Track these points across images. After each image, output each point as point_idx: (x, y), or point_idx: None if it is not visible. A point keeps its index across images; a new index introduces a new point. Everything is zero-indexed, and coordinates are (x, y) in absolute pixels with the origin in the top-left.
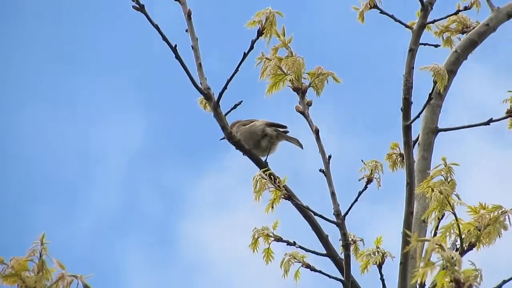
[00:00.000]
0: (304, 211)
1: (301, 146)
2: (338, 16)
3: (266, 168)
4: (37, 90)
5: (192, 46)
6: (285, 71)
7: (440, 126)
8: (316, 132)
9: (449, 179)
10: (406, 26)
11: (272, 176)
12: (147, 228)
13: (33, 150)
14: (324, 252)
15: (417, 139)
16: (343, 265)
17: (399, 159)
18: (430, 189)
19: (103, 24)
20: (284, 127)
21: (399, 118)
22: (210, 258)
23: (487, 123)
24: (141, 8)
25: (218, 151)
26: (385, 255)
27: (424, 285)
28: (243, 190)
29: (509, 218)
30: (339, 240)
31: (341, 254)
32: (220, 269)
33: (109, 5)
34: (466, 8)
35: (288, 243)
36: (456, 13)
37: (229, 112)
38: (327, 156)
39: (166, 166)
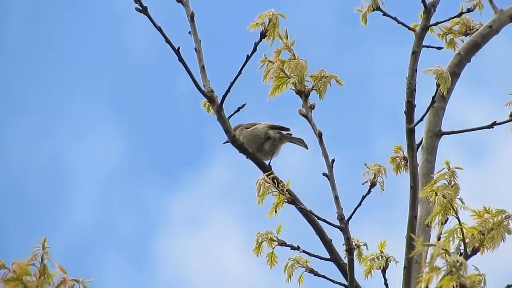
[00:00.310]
0: (307, 215)
1: (306, 146)
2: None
3: (269, 172)
4: (12, 106)
5: (195, 48)
6: (288, 74)
7: (443, 129)
8: (319, 136)
9: (452, 183)
10: (409, 28)
11: (275, 180)
12: (123, 246)
13: (8, 167)
14: (328, 256)
15: (421, 142)
16: (346, 270)
17: (402, 162)
18: (434, 193)
19: (79, 41)
20: (287, 129)
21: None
22: (187, 275)
23: (491, 126)
24: (144, 10)
25: (193, 168)
26: (389, 260)
27: None
28: (219, 206)
29: None
30: (343, 244)
31: (344, 258)
32: (197, 287)
33: (86, 21)
34: (469, 10)
35: (292, 248)
36: (459, 15)
37: (232, 115)
38: (331, 160)
39: (142, 183)
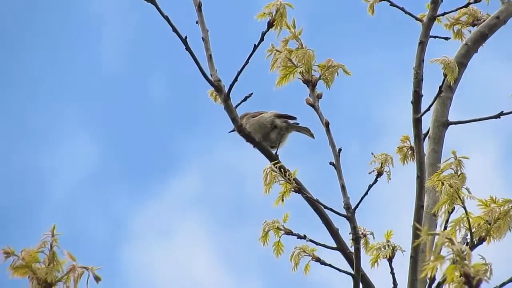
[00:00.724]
0: (314, 204)
1: (312, 135)
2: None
3: (276, 161)
4: None
5: (202, 37)
6: (295, 63)
7: (450, 119)
8: (326, 125)
9: (459, 173)
10: (416, 18)
11: (282, 169)
12: (92, 253)
13: None
14: (334, 245)
15: (428, 132)
16: (353, 259)
17: (409, 152)
18: (440, 182)
19: (52, 49)
20: (294, 118)
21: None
22: (156, 282)
23: (498, 116)
24: (151, 0)
25: (163, 176)
26: (395, 249)
27: (434, 279)
28: (188, 214)
29: None
30: (349, 233)
31: (351, 247)
32: None
33: (59, 30)
34: (476, 1)
35: (299, 237)
36: (467, 5)
37: (239, 104)
38: (337, 149)
39: (113, 191)
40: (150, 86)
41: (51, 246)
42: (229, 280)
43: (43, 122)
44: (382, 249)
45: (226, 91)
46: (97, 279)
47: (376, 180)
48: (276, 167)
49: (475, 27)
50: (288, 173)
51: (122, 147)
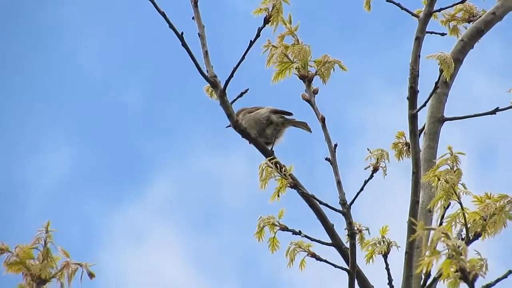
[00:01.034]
0: (309, 200)
1: (309, 130)
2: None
3: (272, 157)
4: None
5: (198, 33)
6: (292, 59)
7: (446, 115)
8: (322, 120)
9: (455, 168)
10: (413, 14)
11: (278, 165)
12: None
13: None
14: (330, 241)
15: (423, 128)
16: (348, 255)
17: (405, 148)
18: (436, 178)
19: (22, 54)
20: (290, 113)
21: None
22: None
23: (493, 112)
24: None
25: (136, 182)
26: (390, 245)
27: (430, 274)
28: (161, 220)
29: None
30: (345, 229)
31: (346, 243)
32: None
33: (34, 34)
34: None
35: (294, 232)
36: (463, 1)
37: (235, 100)
38: (333, 145)
39: (87, 197)
40: (125, 92)
41: (45, 242)
42: (203, 285)
43: (15, 128)
44: (377, 245)
45: (222, 87)
46: (91, 275)
47: (371, 176)
48: (271, 163)
49: (471, 23)
50: (283, 168)
51: (96, 152)
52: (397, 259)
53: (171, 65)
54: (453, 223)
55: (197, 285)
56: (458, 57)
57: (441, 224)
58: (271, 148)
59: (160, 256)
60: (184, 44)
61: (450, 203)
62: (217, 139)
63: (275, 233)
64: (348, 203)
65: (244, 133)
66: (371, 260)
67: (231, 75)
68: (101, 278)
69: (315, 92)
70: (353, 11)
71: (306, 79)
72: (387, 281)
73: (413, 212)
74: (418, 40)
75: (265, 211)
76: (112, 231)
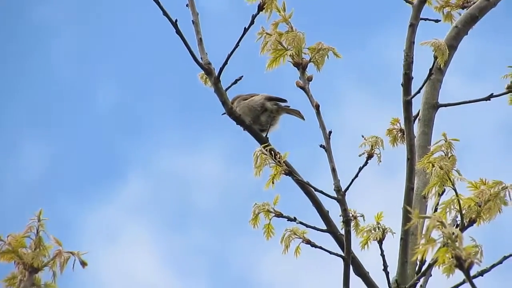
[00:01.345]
0: (304, 186)
1: (302, 117)
2: None
3: (266, 144)
4: None
5: (192, 20)
6: (286, 46)
7: (440, 101)
8: (317, 107)
9: (449, 155)
10: (407, 1)
11: (272, 152)
12: None
13: None
14: (325, 228)
15: (418, 114)
16: (343, 241)
17: (399, 134)
18: (431, 164)
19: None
20: (284, 100)
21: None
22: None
23: (488, 98)
24: None
25: (110, 181)
26: (385, 231)
27: (425, 260)
28: (134, 219)
29: (509, 194)
30: (340, 216)
31: (341, 230)
32: None
33: (9, 34)
34: None
35: (289, 219)
36: None
37: (229, 87)
38: (328, 132)
39: (60, 198)
40: (98, 93)
41: (37, 231)
42: (176, 283)
43: None
44: (373, 231)
45: (216, 74)
46: (83, 264)
47: (366, 163)
48: (266, 150)
49: (465, 9)
50: (278, 155)
51: (70, 152)
52: (392, 245)
53: (145, 64)
54: (448, 209)
55: (169, 284)
56: (452, 44)
57: (436, 210)
58: (266, 135)
59: (133, 255)
60: (178, 32)
61: (444, 189)
62: (189, 139)
63: (270, 219)
64: (343, 190)
65: (238, 120)
66: (366, 246)
67: (225, 63)
68: (75, 277)
69: (309, 79)
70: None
71: (300, 66)
72: (382, 267)
73: (408, 199)
74: (412, 26)
75: (236, 210)
76: (85, 230)
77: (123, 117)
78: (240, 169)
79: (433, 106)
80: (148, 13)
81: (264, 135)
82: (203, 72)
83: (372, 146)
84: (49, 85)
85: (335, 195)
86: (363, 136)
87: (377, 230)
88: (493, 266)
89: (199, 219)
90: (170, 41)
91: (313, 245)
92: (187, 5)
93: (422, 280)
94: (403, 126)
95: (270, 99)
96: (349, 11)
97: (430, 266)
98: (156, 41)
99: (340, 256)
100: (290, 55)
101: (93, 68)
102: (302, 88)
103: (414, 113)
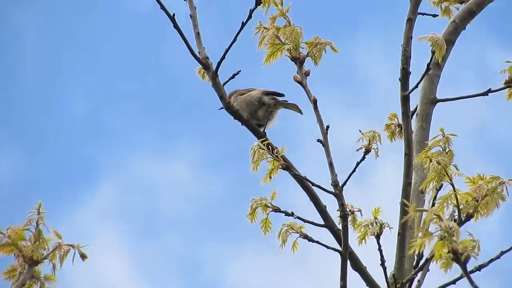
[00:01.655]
0: (302, 181)
1: (300, 111)
2: None
3: (264, 138)
4: None
5: (190, 15)
6: (283, 41)
7: (438, 96)
8: (314, 102)
9: (447, 150)
10: None
11: (270, 146)
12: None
13: None
14: (322, 222)
15: (416, 109)
16: (341, 236)
17: (397, 129)
18: (428, 159)
19: None
20: (282, 95)
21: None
22: None
23: (486, 93)
24: None
25: (80, 187)
26: (383, 226)
27: (422, 255)
28: (105, 225)
29: (507, 189)
30: (337, 210)
31: (339, 224)
32: None
33: None
34: None
35: (286, 214)
36: None
37: (227, 81)
38: (325, 126)
39: (29, 204)
40: (69, 99)
41: (37, 224)
42: None
43: None
44: (370, 226)
45: (214, 68)
46: (83, 256)
47: (364, 157)
48: (264, 145)
49: (463, 4)
50: (275, 150)
51: (39, 159)
52: (390, 240)
53: (115, 70)
54: (445, 204)
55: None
56: (450, 38)
57: (433, 205)
58: (263, 130)
59: (104, 261)
60: (176, 26)
61: (442, 184)
62: (159, 145)
63: (267, 214)
64: (340, 185)
65: (236, 115)
66: (363, 241)
67: (223, 57)
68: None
69: (307, 74)
70: None
71: (298, 61)
72: (380, 262)
73: (406, 194)
74: (410, 21)
75: (205, 215)
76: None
77: (94, 124)
78: (210, 174)
79: (431, 101)
80: (117, 20)
81: (261, 130)
82: (201, 66)
83: (369, 141)
84: (19, 92)
85: (333, 190)
86: (360, 131)
87: (374, 225)
88: (491, 261)
89: (170, 225)
90: (142, 47)
91: (311, 240)
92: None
93: (419, 275)
94: (400, 121)
95: (267, 93)
96: (349, 8)
97: (428, 261)
98: (128, 47)
99: (338, 251)
100: (287, 50)
101: (63, 75)
102: (300, 82)
103: (411, 108)
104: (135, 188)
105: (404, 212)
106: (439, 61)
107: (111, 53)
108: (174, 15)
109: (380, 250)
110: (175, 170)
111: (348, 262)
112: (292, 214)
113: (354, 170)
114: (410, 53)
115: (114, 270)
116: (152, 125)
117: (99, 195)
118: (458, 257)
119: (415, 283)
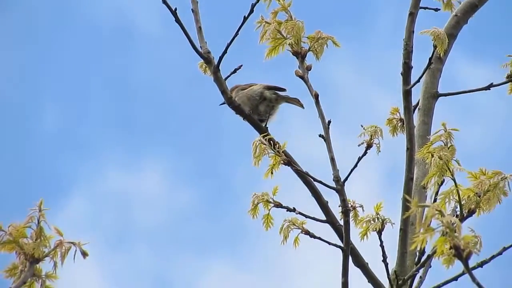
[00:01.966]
0: (303, 177)
1: (302, 106)
2: None
3: (266, 133)
4: None
5: (192, 9)
6: (285, 35)
7: (440, 90)
8: (316, 97)
9: (449, 145)
10: None
11: (271, 142)
12: None
13: None
14: (324, 218)
15: (418, 104)
16: (342, 232)
17: (399, 124)
18: (430, 154)
19: None
20: (283, 89)
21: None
22: None
23: (488, 88)
24: None
25: (52, 202)
26: (385, 222)
27: (424, 251)
28: (78, 239)
29: (509, 184)
30: (339, 206)
31: (340, 220)
32: None
33: None
34: None
35: (288, 209)
36: None
37: (229, 76)
38: (327, 121)
39: (3, 214)
40: (41, 112)
41: (38, 221)
42: None
43: None
44: (372, 222)
45: (216, 63)
46: (84, 254)
47: (365, 152)
48: (265, 140)
49: None
50: (277, 145)
51: (11, 173)
52: (392, 236)
53: (87, 84)
54: (447, 200)
55: None
56: (452, 32)
57: (435, 201)
58: (265, 125)
59: (75, 275)
60: (177, 20)
61: (444, 179)
62: (131, 158)
63: (269, 210)
64: (342, 180)
65: (238, 110)
66: (365, 237)
67: (225, 51)
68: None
69: (309, 68)
70: None
71: (299, 55)
72: (382, 258)
73: (407, 189)
74: (412, 15)
75: (178, 229)
76: None
77: (66, 137)
78: (182, 187)
79: (433, 95)
80: (88, 35)
81: (263, 125)
82: (203, 61)
83: (371, 136)
84: None
85: (334, 185)
86: (362, 126)
87: (376, 220)
88: (493, 257)
89: (142, 238)
90: (113, 62)
91: (312, 236)
92: None
93: (421, 271)
94: (402, 116)
95: (269, 88)
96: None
97: (430, 257)
98: (99, 62)
99: (339, 247)
100: (289, 44)
101: (35, 90)
102: (301, 77)
103: (414, 102)
104: (107, 201)
105: (405, 207)
106: (441, 55)
107: (82, 68)
108: (176, 9)
109: (382, 246)
110: (147, 183)
111: (350, 258)
112: (293, 210)
113: (355, 166)
114: (412, 47)
115: (85, 283)
116: (124, 138)
117: (70, 208)
118: (460, 253)
119: (417, 279)
